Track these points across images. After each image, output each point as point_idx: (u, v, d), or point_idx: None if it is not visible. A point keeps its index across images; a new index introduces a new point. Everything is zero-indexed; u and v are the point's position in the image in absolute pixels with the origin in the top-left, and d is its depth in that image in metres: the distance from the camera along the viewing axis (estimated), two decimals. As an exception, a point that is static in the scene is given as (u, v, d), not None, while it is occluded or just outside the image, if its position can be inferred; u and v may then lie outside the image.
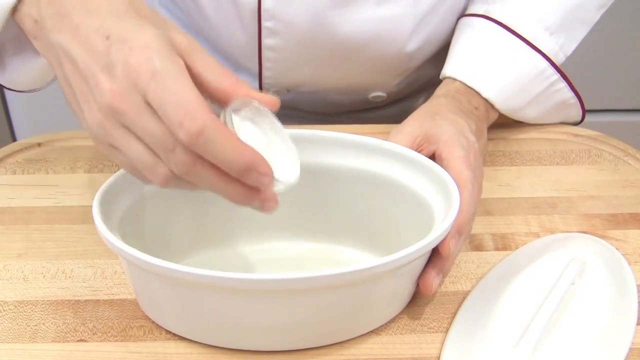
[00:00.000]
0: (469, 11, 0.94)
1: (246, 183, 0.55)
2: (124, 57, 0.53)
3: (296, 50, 0.94)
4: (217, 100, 0.57)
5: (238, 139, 0.54)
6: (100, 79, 0.54)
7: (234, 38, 0.95)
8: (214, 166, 0.54)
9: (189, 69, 0.54)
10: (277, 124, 0.59)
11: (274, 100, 0.58)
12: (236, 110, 0.57)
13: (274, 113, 0.59)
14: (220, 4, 0.93)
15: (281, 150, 0.59)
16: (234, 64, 1.00)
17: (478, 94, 0.86)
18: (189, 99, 0.52)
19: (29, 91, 0.80)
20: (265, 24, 0.91)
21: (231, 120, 0.56)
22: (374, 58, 0.96)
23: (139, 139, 0.54)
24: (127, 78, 0.53)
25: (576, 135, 0.96)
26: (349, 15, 0.90)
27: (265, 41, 0.93)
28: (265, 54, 0.95)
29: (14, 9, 0.63)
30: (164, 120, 0.52)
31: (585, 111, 0.96)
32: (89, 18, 0.56)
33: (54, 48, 0.58)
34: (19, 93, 0.80)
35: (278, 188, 0.58)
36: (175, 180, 0.55)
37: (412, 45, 0.95)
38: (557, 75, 0.90)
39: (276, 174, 0.56)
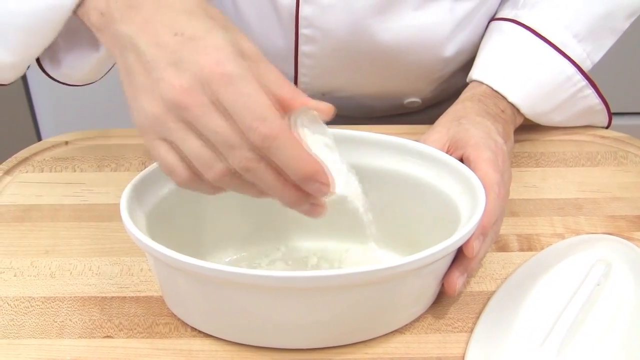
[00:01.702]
0: (498, 15, 0.94)
1: (302, 189, 0.57)
2: (195, 56, 0.54)
3: (333, 56, 0.94)
4: (281, 109, 0.58)
5: (304, 147, 0.56)
6: (167, 73, 0.55)
7: (272, 43, 0.95)
8: (274, 168, 0.56)
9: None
10: (329, 134, 0.61)
11: (330, 109, 0.60)
12: (299, 118, 0.59)
13: None
14: (260, 9, 0.92)
15: (333, 159, 0.61)
16: None
17: (504, 98, 0.86)
18: (263, 104, 0.54)
19: (83, 85, 0.81)
20: (302, 31, 0.91)
21: (295, 128, 0.58)
22: (410, 64, 0.96)
23: (199, 135, 0.55)
24: (196, 76, 0.54)
25: (602, 137, 0.95)
26: (386, 23, 0.90)
27: (302, 48, 0.93)
28: (301, 60, 0.95)
29: (79, 4, 0.64)
30: (236, 120, 0.54)
31: (611, 117, 0.95)
32: (160, 13, 0.57)
33: (119, 39, 0.59)
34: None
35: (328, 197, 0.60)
36: (228, 178, 0.56)
37: (448, 51, 0.95)
38: (584, 82, 0.89)
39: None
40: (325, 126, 0.61)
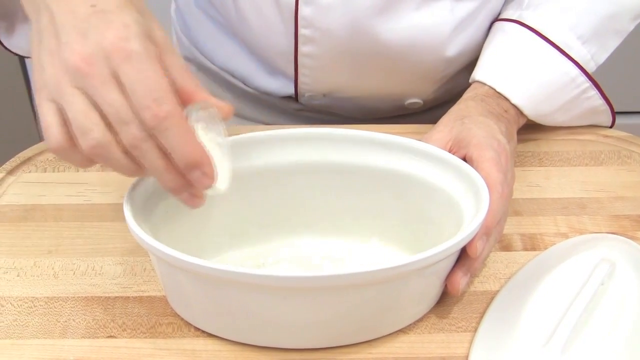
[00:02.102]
0: (502, 16, 0.94)
1: (185, 176, 0.59)
2: (102, 28, 0.56)
3: (333, 57, 0.94)
4: (179, 99, 0.59)
5: (194, 136, 0.58)
6: (72, 39, 0.56)
7: (272, 43, 0.95)
8: (161, 151, 0.57)
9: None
10: (224, 133, 0.63)
11: (230, 109, 0.62)
12: (196, 112, 0.60)
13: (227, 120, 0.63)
14: (260, 9, 0.92)
15: (220, 158, 0.62)
16: (271, 68, 1.00)
17: (507, 99, 0.86)
18: (161, 84, 0.55)
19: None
20: (302, 31, 0.91)
21: (190, 120, 0.60)
22: (411, 65, 0.95)
23: (88, 103, 0.56)
24: (100, 47, 0.55)
25: (605, 136, 0.95)
26: (387, 23, 0.90)
27: (302, 48, 0.93)
28: (301, 60, 0.95)
29: None
30: (131, 97, 0.55)
31: (615, 117, 0.95)
32: None
33: (37, 1, 0.60)
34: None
35: (208, 190, 0.61)
36: (100, 150, 0.57)
37: (450, 52, 0.95)
38: (588, 83, 0.89)
39: None
40: (221, 126, 0.62)
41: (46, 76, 0.57)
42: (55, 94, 0.57)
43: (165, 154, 0.57)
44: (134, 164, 0.58)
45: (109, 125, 0.56)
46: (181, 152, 0.57)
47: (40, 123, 0.58)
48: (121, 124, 0.56)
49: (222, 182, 0.62)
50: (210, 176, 0.59)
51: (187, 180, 0.59)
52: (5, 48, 0.81)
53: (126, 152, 0.57)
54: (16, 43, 0.79)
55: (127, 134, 0.56)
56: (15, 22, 0.76)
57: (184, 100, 0.59)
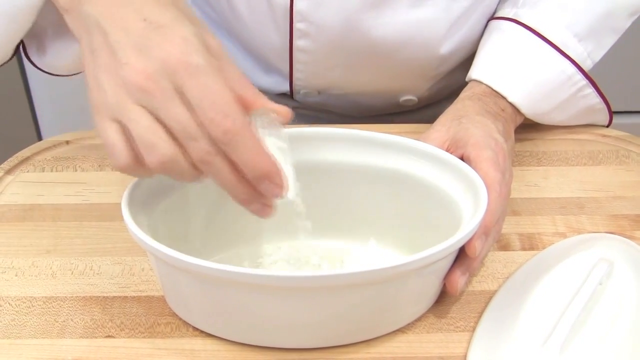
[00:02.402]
0: (498, 14, 0.94)
1: (255, 187, 0.58)
2: (162, 44, 0.54)
3: (328, 52, 0.94)
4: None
5: (263, 147, 0.57)
6: (132, 57, 0.55)
7: (266, 39, 0.95)
8: (230, 163, 0.56)
9: None
10: (285, 138, 0.62)
11: (289, 112, 0.61)
12: (258, 118, 0.60)
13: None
14: (254, 5, 0.92)
15: (284, 162, 0.61)
16: (265, 65, 1.00)
17: (504, 98, 0.86)
18: (227, 98, 0.54)
19: (67, 75, 0.81)
20: (297, 25, 0.91)
21: (255, 129, 0.59)
22: (406, 61, 0.96)
23: (156, 120, 0.55)
24: (162, 63, 0.54)
25: (604, 136, 0.95)
26: (381, 19, 0.90)
27: (297, 43, 0.93)
28: (296, 55, 0.95)
29: None
30: (197, 112, 0.54)
31: (612, 116, 0.95)
32: None
33: (85, 20, 0.59)
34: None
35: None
36: (171, 164, 0.56)
37: (444, 49, 0.95)
38: (585, 81, 0.89)
39: None
40: (282, 130, 0.62)
41: (107, 96, 0.56)
42: (118, 113, 0.56)
43: (234, 166, 0.56)
44: (200, 174, 0.58)
45: (175, 140, 0.55)
46: (252, 164, 0.56)
47: (104, 143, 0.57)
48: (189, 139, 0.55)
49: (292, 188, 0.61)
50: (280, 186, 0.58)
51: (258, 190, 0.58)
52: (36, 67, 0.80)
53: (193, 165, 0.56)
54: (49, 61, 0.78)
55: (197, 150, 0.55)
56: (45, 40, 0.75)
57: (244, 107, 0.58)
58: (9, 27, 0.71)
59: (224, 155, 0.56)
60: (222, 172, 0.56)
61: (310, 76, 0.98)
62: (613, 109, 0.95)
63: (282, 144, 0.62)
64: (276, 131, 0.61)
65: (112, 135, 0.56)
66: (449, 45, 0.95)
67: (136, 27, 0.56)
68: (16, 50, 0.77)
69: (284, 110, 0.61)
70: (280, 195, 0.59)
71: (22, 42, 0.77)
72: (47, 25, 0.72)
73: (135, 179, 0.65)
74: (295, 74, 0.98)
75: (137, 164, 0.57)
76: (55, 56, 0.76)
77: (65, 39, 0.74)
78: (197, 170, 0.57)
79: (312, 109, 1.06)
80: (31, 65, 0.78)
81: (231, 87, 0.56)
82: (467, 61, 0.94)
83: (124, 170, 0.58)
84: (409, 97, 1.04)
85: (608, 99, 0.92)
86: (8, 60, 0.78)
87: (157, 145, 0.55)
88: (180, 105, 0.54)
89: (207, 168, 0.56)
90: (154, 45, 0.55)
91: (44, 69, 0.79)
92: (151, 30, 0.55)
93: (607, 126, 0.97)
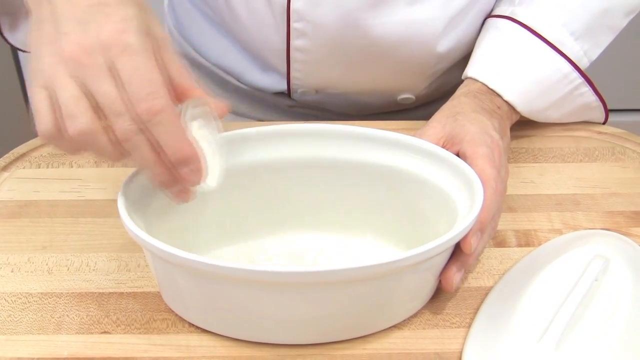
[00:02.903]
0: (494, 12, 0.94)
1: (174, 171, 0.59)
2: (101, 21, 0.57)
3: (325, 51, 0.94)
4: (174, 96, 0.60)
5: (184, 132, 0.58)
6: (71, 29, 0.57)
7: (264, 38, 0.95)
8: (152, 145, 0.58)
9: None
10: (218, 130, 0.64)
11: (225, 108, 0.63)
12: (191, 108, 0.61)
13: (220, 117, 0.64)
14: (251, 4, 0.92)
15: (212, 155, 0.63)
16: (263, 64, 1.00)
17: (500, 96, 0.86)
18: (156, 79, 0.56)
19: None
20: (294, 25, 0.91)
21: (184, 116, 0.61)
22: (403, 60, 0.95)
23: (84, 92, 0.56)
24: (98, 39, 0.56)
25: (600, 133, 0.95)
26: (378, 18, 0.90)
27: (294, 42, 0.93)
28: (294, 55, 0.95)
29: None
30: (126, 89, 0.56)
31: (608, 114, 0.95)
32: None
33: None
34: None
35: (198, 187, 0.62)
36: (88, 136, 0.57)
37: (442, 47, 0.95)
38: (581, 79, 0.89)
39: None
40: (215, 124, 0.63)
41: (42, 64, 0.58)
42: (49, 81, 0.57)
43: (156, 147, 0.58)
44: (119, 151, 0.59)
45: (99, 114, 0.57)
46: (171, 147, 0.57)
47: (32, 109, 0.59)
48: (114, 115, 0.56)
49: (212, 179, 0.62)
50: (199, 173, 0.60)
51: (177, 175, 0.60)
52: (8, 43, 0.82)
53: (114, 141, 0.58)
54: (20, 38, 0.80)
55: (120, 126, 0.56)
56: (19, 17, 0.78)
57: (180, 96, 0.60)
58: None
59: (147, 135, 0.57)
60: (142, 152, 0.58)
61: (308, 75, 0.98)
62: (609, 107, 0.95)
63: (214, 137, 0.63)
64: (209, 123, 0.63)
65: (40, 100, 0.58)
66: (446, 44, 0.95)
67: (83, 3, 0.58)
68: None
69: (221, 105, 0.63)
70: (197, 181, 0.60)
71: None
72: (21, 3, 0.73)
73: (131, 176, 0.65)
74: (293, 73, 0.98)
75: (59, 133, 0.58)
76: (25, 33, 0.78)
77: None
78: (117, 148, 0.58)
79: (310, 107, 1.06)
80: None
81: (166, 73, 0.58)
82: (465, 59, 0.94)
83: (46, 137, 0.59)
84: (407, 96, 1.04)
85: (604, 97, 0.93)
86: None
87: (78, 116, 0.56)
88: (109, 82, 0.56)
89: (128, 146, 0.58)
90: (93, 21, 0.57)
91: (16, 45, 0.82)
92: (95, 7, 0.57)
93: (603, 123, 0.97)
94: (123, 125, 0.56)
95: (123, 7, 0.57)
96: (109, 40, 0.56)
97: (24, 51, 0.84)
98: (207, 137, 0.62)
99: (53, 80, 0.57)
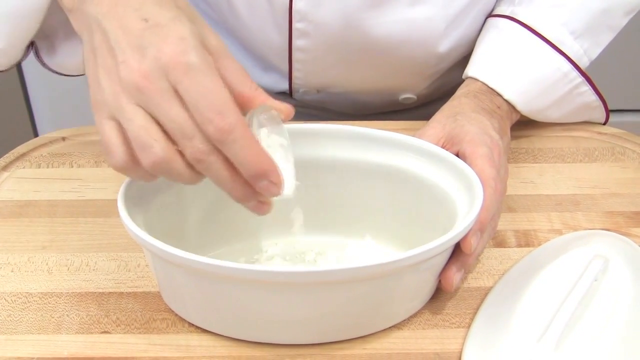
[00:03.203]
0: (495, 12, 0.94)
1: (252, 185, 0.58)
2: (158, 43, 0.55)
3: (327, 51, 0.94)
4: (237, 104, 0.58)
5: (260, 145, 0.57)
6: (129, 56, 0.55)
7: (265, 38, 0.95)
8: (226, 161, 0.56)
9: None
10: (286, 135, 0.62)
11: (290, 110, 0.61)
12: (257, 116, 0.60)
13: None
14: (253, 4, 0.92)
15: (285, 160, 0.61)
16: (264, 64, 1.00)
17: (500, 95, 0.86)
18: (221, 97, 0.54)
19: (77, 75, 0.81)
20: (296, 25, 0.91)
21: (252, 125, 0.59)
22: (404, 59, 0.96)
23: (152, 119, 0.55)
24: (158, 63, 0.54)
25: (600, 133, 0.95)
26: (380, 17, 0.90)
27: (296, 42, 0.93)
28: (295, 54, 0.95)
29: None
30: (193, 111, 0.54)
31: (609, 113, 0.95)
32: None
33: (88, 19, 0.59)
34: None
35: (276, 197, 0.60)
36: (164, 164, 0.56)
37: (443, 47, 0.95)
38: (581, 78, 0.89)
39: None
40: (283, 127, 0.62)
41: (105, 94, 0.56)
42: (115, 112, 0.56)
43: (230, 164, 0.56)
44: (196, 175, 0.58)
45: (170, 140, 0.56)
46: (248, 163, 0.56)
47: (101, 141, 0.58)
48: (184, 138, 0.55)
49: (288, 186, 0.61)
50: (278, 184, 0.58)
51: (254, 189, 0.58)
52: (47, 68, 0.80)
53: (189, 165, 0.57)
54: (59, 61, 0.78)
55: (191, 149, 0.55)
56: (55, 41, 0.76)
57: (243, 104, 0.58)
58: (17, 27, 0.72)
59: (219, 154, 0.56)
60: (217, 171, 0.56)
61: (310, 75, 0.98)
62: (610, 107, 0.95)
63: (284, 141, 0.61)
64: (277, 128, 0.61)
65: (109, 133, 0.57)
66: (447, 43, 0.95)
67: (135, 26, 0.56)
68: (27, 52, 0.78)
69: (285, 107, 0.61)
70: (277, 193, 0.58)
71: (34, 43, 0.77)
72: (58, 26, 0.73)
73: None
74: (295, 73, 0.98)
75: (132, 164, 0.57)
76: (66, 56, 0.77)
77: (74, 39, 0.74)
78: (193, 170, 0.57)
79: (311, 107, 1.06)
80: (28, 63, 0.78)
81: (229, 85, 0.56)
82: (466, 59, 0.94)
83: (120, 169, 0.58)
84: (408, 95, 1.04)
85: (605, 97, 0.93)
86: (19, 62, 0.79)
87: (152, 146, 0.55)
88: (176, 105, 0.54)
89: (202, 167, 0.56)
90: (151, 45, 0.55)
91: (54, 69, 0.80)
92: (149, 30, 0.56)
93: (604, 124, 0.97)
94: (195, 147, 0.55)
95: (177, 25, 0.56)
96: (169, 63, 0.54)
97: (64, 75, 0.83)
98: (277, 141, 0.61)
99: (119, 110, 0.56)
